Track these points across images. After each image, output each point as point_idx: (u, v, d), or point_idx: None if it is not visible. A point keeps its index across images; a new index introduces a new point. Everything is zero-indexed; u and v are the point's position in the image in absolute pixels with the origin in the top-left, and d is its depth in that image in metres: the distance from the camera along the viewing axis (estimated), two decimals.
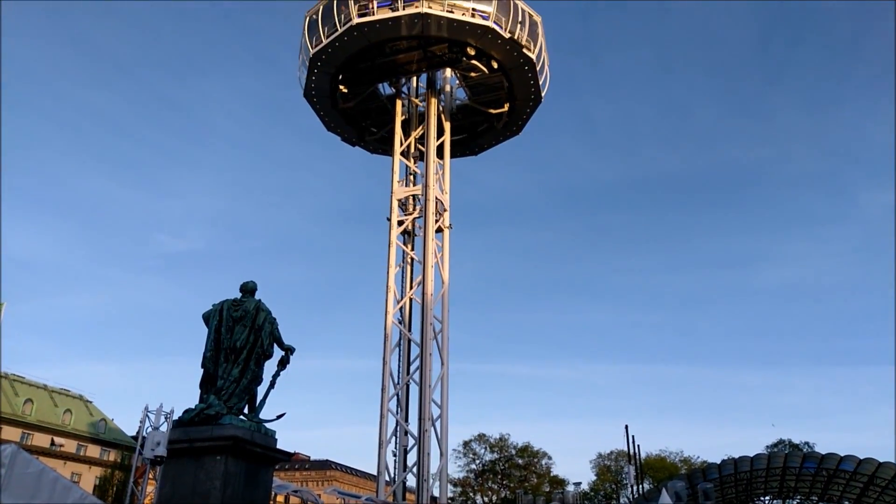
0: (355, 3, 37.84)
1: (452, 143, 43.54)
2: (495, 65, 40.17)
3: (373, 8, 37.87)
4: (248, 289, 14.57)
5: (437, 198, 41.63)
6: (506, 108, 42.87)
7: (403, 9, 37.52)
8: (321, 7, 39.49)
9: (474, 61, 40.11)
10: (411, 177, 43.47)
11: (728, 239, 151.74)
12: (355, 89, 42.84)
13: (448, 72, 43.54)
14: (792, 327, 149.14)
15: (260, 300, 14.50)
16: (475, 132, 45.37)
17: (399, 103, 43.49)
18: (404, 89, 44.47)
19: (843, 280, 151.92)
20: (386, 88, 44.03)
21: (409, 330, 40.71)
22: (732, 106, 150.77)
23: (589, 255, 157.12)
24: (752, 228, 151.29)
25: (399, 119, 43.21)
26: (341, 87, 42.46)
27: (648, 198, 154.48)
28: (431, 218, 40.83)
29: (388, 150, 44.68)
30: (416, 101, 43.85)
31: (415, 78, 43.91)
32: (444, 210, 42.22)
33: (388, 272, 40.52)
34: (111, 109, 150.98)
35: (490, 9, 37.98)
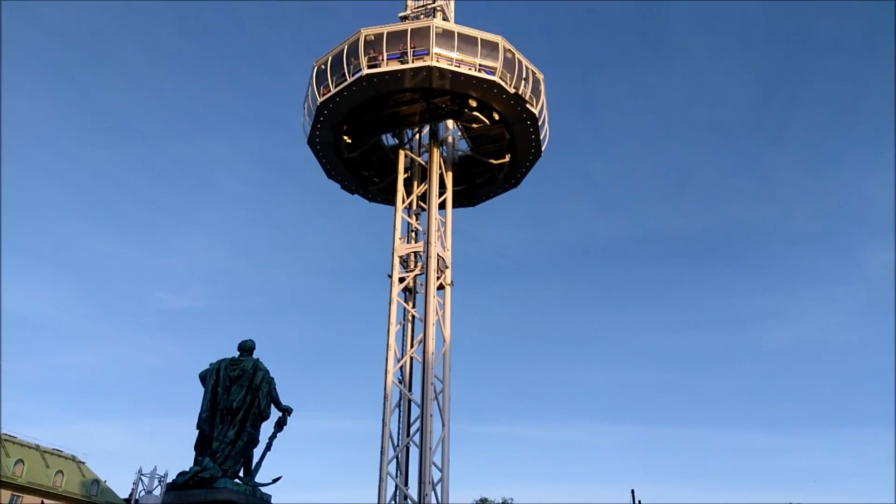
0: (365, 55, 38.48)
1: (451, 194, 43.79)
2: (496, 116, 40.75)
3: (382, 60, 38.53)
4: (247, 347, 14.51)
5: (438, 255, 41.55)
6: (507, 158, 43.32)
7: (413, 62, 38.23)
8: (330, 58, 40.25)
9: (476, 113, 40.71)
10: (413, 233, 43.62)
11: (733, 297, 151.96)
12: (359, 140, 43.27)
13: (450, 123, 44.13)
14: (799, 387, 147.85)
15: (258, 359, 14.34)
16: (474, 184, 45.80)
17: (402, 157, 43.82)
18: (407, 141, 44.98)
19: (849, 340, 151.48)
20: (389, 139, 44.49)
21: (410, 390, 40.25)
22: (733, 165, 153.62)
23: (593, 313, 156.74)
24: (756, 287, 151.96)
25: (402, 176, 43.51)
26: (345, 137, 42.87)
27: (652, 256, 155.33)
28: (433, 275, 40.64)
29: (389, 200, 45.01)
30: (419, 159, 44.22)
31: (417, 129, 44.43)
32: (446, 267, 42.05)
33: (388, 330, 40.19)
34: (115, 168, 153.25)
35: (496, 64, 38.70)
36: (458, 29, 39.05)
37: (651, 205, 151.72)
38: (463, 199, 46.00)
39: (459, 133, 44.01)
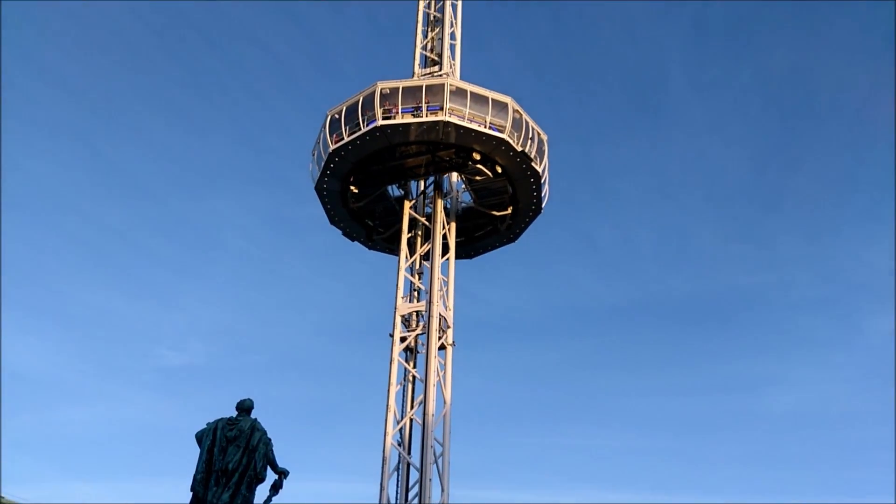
0: (381, 107, 39.83)
1: (454, 252, 44.59)
2: (499, 169, 42.13)
3: (397, 112, 40.01)
4: (245, 407, 14.36)
5: (440, 314, 41.84)
6: (509, 210, 44.64)
7: (427, 116, 39.80)
8: (344, 108, 41.57)
9: (479, 165, 42.10)
10: (415, 292, 44.13)
11: (734, 363, 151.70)
12: (365, 190, 44.33)
13: (454, 175, 45.45)
14: (800, 455, 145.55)
15: (256, 419, 14.19)
16: (473, 236, 46.93)
17: (406, 214, 44.56)
18: (413, 199, 45.97)
19: (850, 408, 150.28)
20: (395, 190, 45.66)
21: (409, 453, 40.08)
22: (732, 232, 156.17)
23: (594, 377, 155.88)
24: (757, 353, 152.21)
25: (405, 235, 44.22)
26: (352, 187, 43.83)
27: (653, 320, 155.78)
28: (434, 335, 40.78)
29: (392, 249, 45.96)
30: (422, 219, 45.10)
31: (422, 180, 45.72)
32: (448, 327, 42.21)
33: (388, 390, 40.21)
34: (122, 225, 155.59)
35: (505, 123, 40.50)
36: (470, 88, 40.75)
37: (651, 269, 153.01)
38: (461, 251, 46.87)
39: (463, 186, 45.44)
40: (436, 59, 48.58)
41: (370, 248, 47.31)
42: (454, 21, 49.63)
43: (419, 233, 44.98)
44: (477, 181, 43.43)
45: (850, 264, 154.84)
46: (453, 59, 48.42)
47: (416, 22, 49.84)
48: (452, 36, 49.12)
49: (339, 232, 46.33)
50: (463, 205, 45.87)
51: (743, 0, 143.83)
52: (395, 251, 44.58)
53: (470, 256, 47.71)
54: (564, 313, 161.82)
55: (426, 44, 49.45)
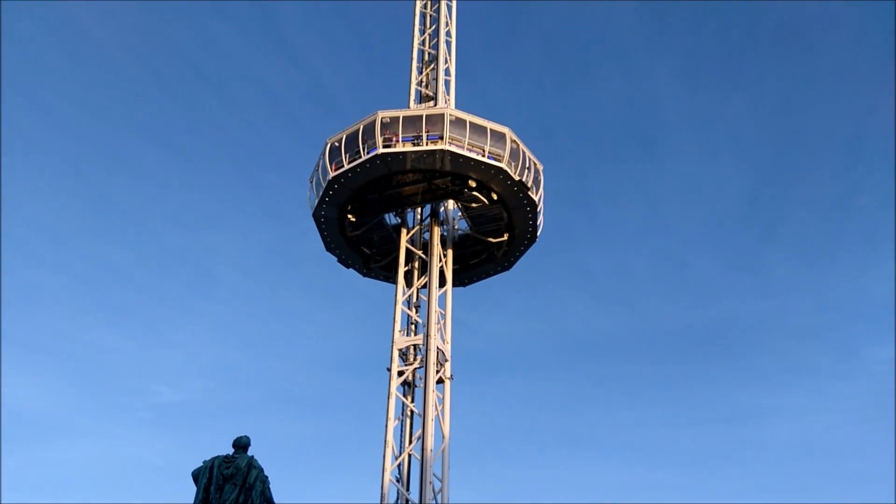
0: (381, 136, 40.43)
1: (451, 284, 44.61)
2: (494, 196, 42.73)
3: (397, 141, 40.62)
4: (241, 444, 14.33)
5: (438, 347, 41.67)
6: (505, 237, 45.18)
7: (426, 144, 40.45)
8: (345, 136, 42.11)
9: (475, 192, 42.70)
10: (413, 325, 44.06)
11: (734, 393, 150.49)
12: (361, 219, 44.83)
13: (450, 203, 46.07)
14: (802, 486, 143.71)
15: (252, 457, 14.03)
16: (467, 264, 47.25)
17: (403, 244, 44.71)
18: (410, 228, 46.17)
19: (851, 438, 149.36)
20: (392, 218, 46.18)
21: (408, 489, 39.78)
22: (729, 259, 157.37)
23: (593, 408, 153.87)
24: (757, 383, 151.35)
25: (402, 269, 44.37)
26: (349, 216, 44.31)
27: (651, 350, 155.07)
28: (432, 369, 40.57)
29: (389, 277, 46.13)
30: (419, 252, 45.25)
31: (419, 208, 46.22)
32: (446, 360, 42.20)
33: (386, 425, 40.00)
34: (118, 261, 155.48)
35: (503, 153, 41.32)
36: (469, 118, 41.50)
37: (649, 298, 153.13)
38: (456, 279, 46.92)
39: (460, 213, 46.05)
40: (431, 94, 49.58)
41: (366, 275, 47.35)
42: (448, 57, 50.76)
43: (416, 265, 45.09)
44: (473, 208, 44.12)
45: (848, 291, 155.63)
46: (448, 94, 49.42)
47: (411, 59, 50.87)
48: (447, 72, 50.18)
49: (335, 259, 46.33)
50: (459, 231, 46.40)
51: (732, 29, 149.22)
52: (391, 279, 44.73)
53: (464, 284, 48.03)
54: (563, 344, 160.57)
55: (421, 80, 50.50)
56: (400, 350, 42.03)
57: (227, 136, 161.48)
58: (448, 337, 42.61)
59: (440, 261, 44.15)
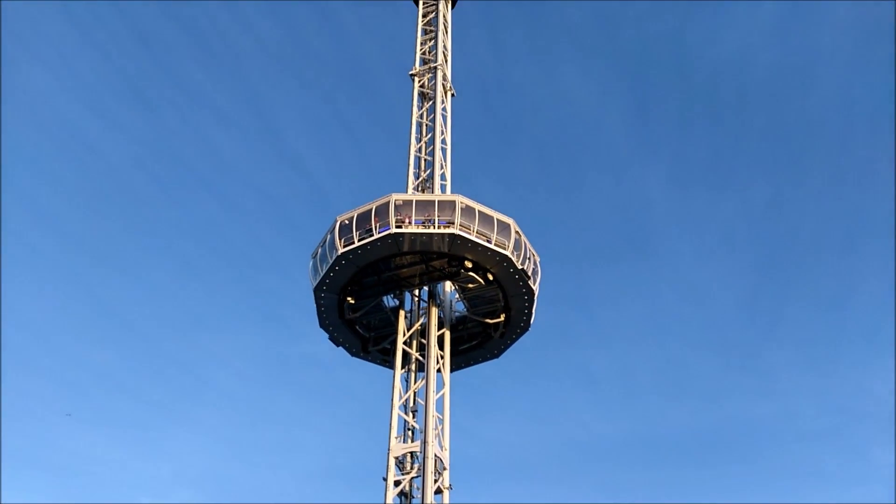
0: (394, 217, 42.35)
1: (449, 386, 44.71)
2: (490, 276, 44.20)
3: (409, 222, 42.52)
4: None
5: (436, 455, 40.86)
6: (502, 318, 46.41)
7: (438, 228, 42.46)
8: (356, 214, 43.90)
9: (471, 273, 44.12)
10: (409, 431, 43.63)
11: (744, 498, 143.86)
12: (359, 302, 45.94)
13: (448, 286, 47.42)
14: None
15: None
16: (457, 349, 47.85)
17: (399, 347, 45.15)
18: (407, 312, 47.52)
19: None
20: (390, 300, 47.42)
21: None
22: (730, 359, 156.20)
23: None
24: (765, 487, 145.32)
25: (399, 371, 44.66)
26: (349, 298, 45.43)
27: (656, 455, 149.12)
28: (430, 478, 39.69)
29: (387, 361, 46.87)
30: (416, 353, 45.54)
31: (416, 289, 47.48)
32: (444, 468, 41.35)
33: None
34: (112, 367, 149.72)
35: (507, 241, 43.60)
36: (478, 207, 44.15)
37: (652, 402, 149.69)
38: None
39: (457, 296, 47.39)
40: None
41: (363, 358, 47.76)
42: (444, 163, 53.89)
43: (412, 367, 45.42)
44: (469, 289, 45.68)
45: (851, 392, 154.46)
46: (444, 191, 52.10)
47: (408, 165, 53.51)
48: (443, 177, 53.03)
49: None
50: (456, 314, 47.68)
51: (718, 132, 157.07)
52: (389, 363, 44.73)
53: (452, 370, 47.78)
54: (565, 449, 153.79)
55: (417, 185, 53.02)
56: (396, 458, 41.33)
57: (225, 241, 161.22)
58: (446, 443, 41.96)
59: (438, 362, 44.29)
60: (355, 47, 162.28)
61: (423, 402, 42.81)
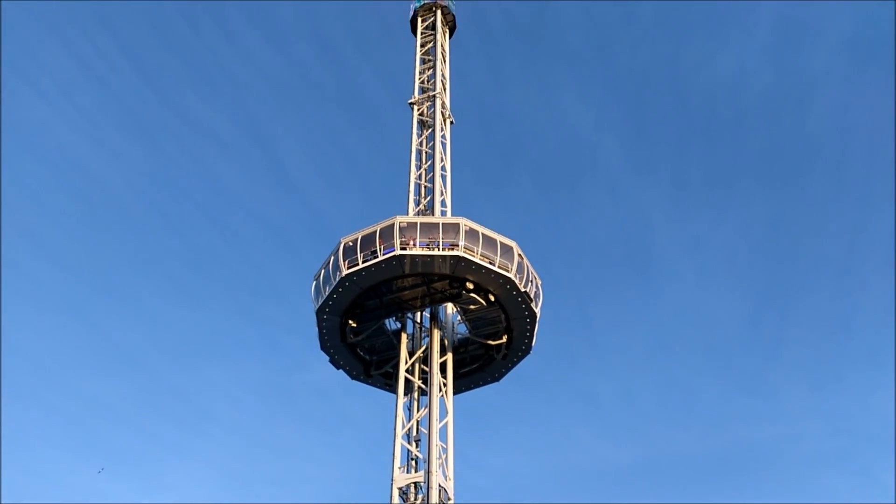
0: (399, 239, 42.57)
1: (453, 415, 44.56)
2: (492, 297, 44.33)
3: (414, 245, 42.76)
4: None
5: (440, 485, 40.59)
6: (504, 339, 46.61)
7: (441, 249, 42.80)
8: (360, 236, 43.96)
9: (472, 294, 44.28)
10: (413, 461, 43.34)
11: None
12: (361, 325, 46.08)
13: (450, 308, 47.63)
14: None
15: None
16: (457, 373, 47.70)
17: (402, 375, 45.23)
18: (409, 335, 47.89)
19: None
20: (392, 323, 47.64)
21: None
22: (735, 383, 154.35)
23: None
24: None
25: (401, 400, 44.69)
26: (351, 321, 45.51)
27: (662, 481, 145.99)
28: None
29: (390, 385, 46.95)
30: (418, 381, 45.78)
31: (418, 313, 47.93)
32: (449, 499, 41.08)
33: None
34: (112, 398, 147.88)
35: (510, 264, 43.99)
36: (482, 230, 44.57)
37: (657, 426, 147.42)
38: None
39: (459, 318, 47.63)
40: None
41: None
42: (444, 189, 54.57)
43: (416, 396, 45.39)
44: (471, 310, 45.91)
45: (856, 413, 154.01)
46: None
47: (409, 191, 54.23)
48: (443, 203, 53.64)
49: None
50: (458, 336, 47.88)
51: (717, 155, 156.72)
52: (392, 387, 44.55)
53: (454, 394, 47.45)
54: (570, 476, 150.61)
55: (418, 210, 53.28)
56: (400, 489, 40.92)
57: (225, 269, 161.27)
58: (450, 473, 41.56)
59: (440, 390, 44.16)
60: (355, 77, 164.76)
61: (426, 431, 42.58)
